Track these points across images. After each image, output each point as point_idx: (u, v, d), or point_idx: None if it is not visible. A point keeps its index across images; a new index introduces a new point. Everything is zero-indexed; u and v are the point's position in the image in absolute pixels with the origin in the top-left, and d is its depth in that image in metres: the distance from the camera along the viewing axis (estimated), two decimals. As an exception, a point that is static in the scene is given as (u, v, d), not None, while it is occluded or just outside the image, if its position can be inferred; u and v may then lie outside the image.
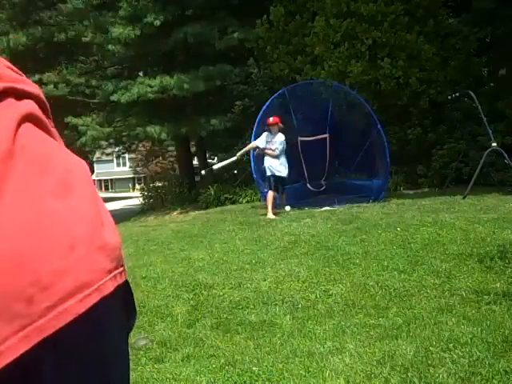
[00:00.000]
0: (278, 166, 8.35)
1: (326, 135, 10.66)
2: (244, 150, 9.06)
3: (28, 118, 0.58)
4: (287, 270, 4.79)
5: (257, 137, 8.99)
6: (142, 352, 3.49)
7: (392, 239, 5.29)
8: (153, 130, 13.73)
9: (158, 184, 19.91)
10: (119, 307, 0.59)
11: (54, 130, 0.64)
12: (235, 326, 3.79)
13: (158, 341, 3.65)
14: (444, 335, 3.17)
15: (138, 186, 39.39)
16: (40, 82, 14.03)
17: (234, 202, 12.49)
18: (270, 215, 7.96)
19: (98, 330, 0.54)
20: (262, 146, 8.42)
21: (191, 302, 4.36)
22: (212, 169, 9.99)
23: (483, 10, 10.02)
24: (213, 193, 13.33)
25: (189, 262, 5.45)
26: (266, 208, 8.20)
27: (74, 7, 14.15)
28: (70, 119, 14.72)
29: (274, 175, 8.31)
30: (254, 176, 9.19)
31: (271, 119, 8.47)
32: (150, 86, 13.24)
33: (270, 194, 8.21)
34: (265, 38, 11.88)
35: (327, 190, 10.53)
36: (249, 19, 12.68)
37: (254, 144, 8.65)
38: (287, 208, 8.73)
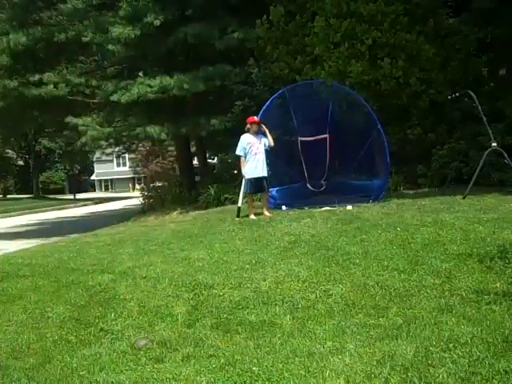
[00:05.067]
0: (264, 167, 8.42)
1: (326, 135, 10.65)
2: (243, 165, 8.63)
3: None
4: (287, 269, 4.79)
5: None
6: (141, 352, 3.49)
7: (392, 239, 5.28)
8: (153, 130, 13.71)
9: (158, 184, 19.91)
10: None
11: None
12: (235, 326, 3.79)
13: (158, 341, 3.65)
14: (444, 335, 3.17)
15: (137, 186, 39.42)
16: (40, 82, 14.03)
17: (234, 202, 12.47)
18: (252, 216, 8.08)
19: None
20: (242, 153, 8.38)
21: (191, 302, 4.36)
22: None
23: (483, 10, 10.02)
24: (213, 193, 13.33)
25: (189, 261, 5.44)
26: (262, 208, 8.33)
27: (73, 7, 14.14)
28: (70, 119, 14.71)
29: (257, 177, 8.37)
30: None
31: (256, 118, 8.52)
32: (150, 86, 13.22)
33: (249, 196, 8.41)
34: (265, 38, 11.89)
35: (327, 190, 10.52)
36: (249, 19, 12.67)
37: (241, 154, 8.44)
38: (283, 207, 8.81)
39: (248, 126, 8.46)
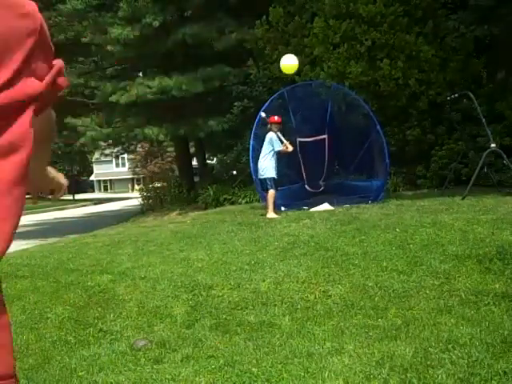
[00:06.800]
0: (275, 167, 8.42)
1: (325, 136, 10.67)
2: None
3: None
4: (286, 270, 4.79)
5: (255, 137, 9.04)
6: (141, 353, 3.49)
7: (391, 240, 5.29)
8: (151, 131, 13.73)
9: (157, 185, 19.92)
10: None
11: None
12: (234, 327, 3.79)
13: (157, 341, 3.65)
14: (443, 336, 3.17)
15: (137, 187, 39.41)
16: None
17: (233, 203, 12.49)
18: (272, 215, 7.98)
19: None
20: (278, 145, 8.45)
21: (190, 302, 4.36)
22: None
23: (481, 8, 10.00)
24: (212, 193, 13.33)
25: (188, 262, 5.44)
26: (267, 208, 8.23)
27: (73, 8, 14.16)
28: (70, 120, 14.72)
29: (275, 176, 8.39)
30: (254, 177, 9.19)
31: (277, 118, 8.56)
32: (149, 87, 13.24)
33: (272, 194, 8.24)
34: (264, 38, 11.89)
35: (326, 191, 10.53)
36: (247, 20, 12.69)
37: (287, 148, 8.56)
38: (282, 208, 8.80)
39: (269, 126, 8.52)
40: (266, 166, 8.37)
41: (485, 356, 2.81)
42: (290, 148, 8.58)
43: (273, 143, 8.34)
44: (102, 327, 4.08)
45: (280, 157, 8.58)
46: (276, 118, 8.58)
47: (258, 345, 3.40)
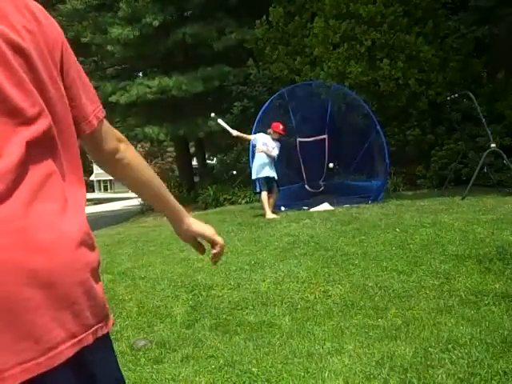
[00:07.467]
0: (270, 167, 8.33)
1: (325, 136, 10.67)
2: (242, 135, 8.96)
3: None
4: (286, 270, 4.79)
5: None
6: (141, 353, 3.49)
7: (391, 240, 5.29)
8: (151, 130, 13.74)
9: (157, 185, 19.87)
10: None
11: None
12: (234, 327, 3.78)
13: (157, 341, 3.65)
14: (443, 336, 3.17)
15: (137, 187, 39.29)
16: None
17: (232, 203, 12.49)
18: (271, 215, 7.96)
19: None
20: (257, 144, 8.41)
21: (190, 302, 4.36)
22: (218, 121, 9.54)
23: (481, 8, 10.01)
24: (212, 193, 13.33)
25: (188, 262, 5.44)
26: (263, 210, 8.21)
27: (73, 8, 14.16)
28: (69, 120, 14.72)
29: (266, 176, 8.29)
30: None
31: (281, 127, 8.44)
32: (149, 87, 13.25)
33: (264, 195, 8.19)
34: (264, 38, 11.90)
35: (326, 191, 10.53)
36: (247, 20, 12.70)
37: (251, 138, 8.64)
38: (282, 208, 8.78)
39: (270, 130, 8.42)
40: (258, 167, 8.31)
41: (485, 356, 2.81)
42: (274, 152, 8.35)
43: (256, 142, 8.30)
44: (102, 327, 4.07)
45: (280, 156, 8.56)
46: (281, 127, 8.43)
47: (258, 345, 3.40)
